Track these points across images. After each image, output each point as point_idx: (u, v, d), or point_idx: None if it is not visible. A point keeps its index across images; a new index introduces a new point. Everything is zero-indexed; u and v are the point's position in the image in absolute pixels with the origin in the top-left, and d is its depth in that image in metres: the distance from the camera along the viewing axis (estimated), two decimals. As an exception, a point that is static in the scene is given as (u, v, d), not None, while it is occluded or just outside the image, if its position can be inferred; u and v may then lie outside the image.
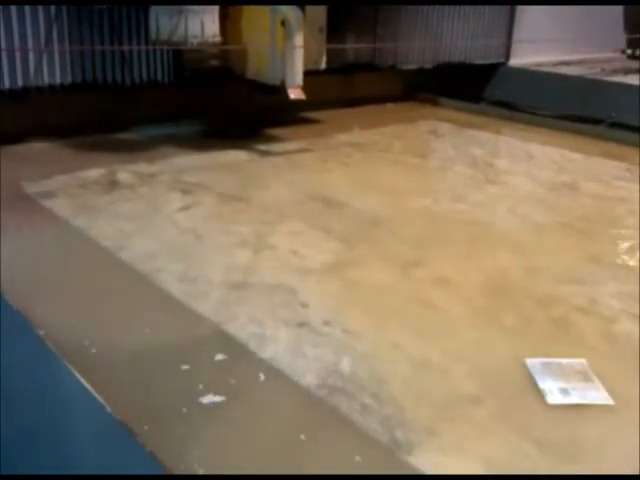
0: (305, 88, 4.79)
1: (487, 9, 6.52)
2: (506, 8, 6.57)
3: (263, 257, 3.14)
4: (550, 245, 3.45)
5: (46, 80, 4.62)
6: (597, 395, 2.14)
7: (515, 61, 6.66)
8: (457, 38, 6.52)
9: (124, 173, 4.22)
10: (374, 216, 3.69)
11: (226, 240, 3.33)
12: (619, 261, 3.31)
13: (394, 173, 4.57)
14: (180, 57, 4.88)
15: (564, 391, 2.15)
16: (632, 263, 3.27)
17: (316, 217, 3.66)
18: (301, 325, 2.56)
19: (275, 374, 2.23)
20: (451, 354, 2.40)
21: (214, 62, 4.81)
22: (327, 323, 2.58)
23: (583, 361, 2.31)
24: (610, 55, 6.97)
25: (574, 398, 2.12)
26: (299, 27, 4.69)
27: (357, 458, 1.85)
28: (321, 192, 4.05)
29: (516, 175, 4.69)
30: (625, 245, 3.52)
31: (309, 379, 2.21)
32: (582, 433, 2.02)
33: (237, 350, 2.35)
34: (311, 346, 2.42)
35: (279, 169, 4.54)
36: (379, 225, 3.59)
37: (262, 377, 2.20)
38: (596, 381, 2.20)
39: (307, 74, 4.83)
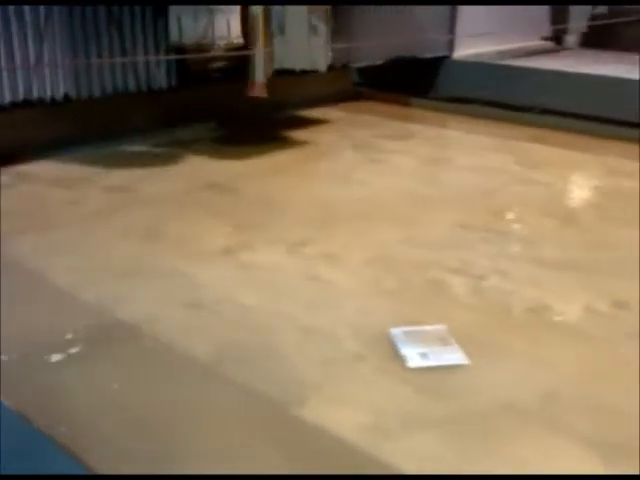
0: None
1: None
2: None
3: (156, 245, 3.26)
4: (429, 216, 3.75)
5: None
6: (453, 356, 2.38)
7: (458, 53, 6.94)
8: (404, 33, 6.69)
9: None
10: (265, 201, 3.89)
11: (116, 231, 3.42)
12: (489, 226, 3.61)
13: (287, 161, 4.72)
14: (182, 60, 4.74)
15: (423, 355, 2.38)
16: (500, 228, 3.62)
17: (208, 205, 3.81)
18: (195, 305, 2.69)
19: (169, 348, 2.39)
20: (337, 321, 2.62)
21: (218, 64, 4.71)
22: (220, 302, 2.73)
23: (443, 327, 2.54)
24: (541, 43, 7.44)
25: (432, 361, 2.35)
26: (259, 24, 4.63)
27: (248, 414, 2.07)
28: (212, 180, 4.19)
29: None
30: (495, 212, 3.84)
31: (203, 350, 2.38)
32: (450, 379, 2.29)
33: (128, 330, 2.50)
34: (205, 323, 2.58)
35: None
36: (270, 209, 3.78)
37: (153, 351, 2.39)
38: (454, 344, 2.44)
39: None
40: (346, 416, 2.05)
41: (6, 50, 4.24)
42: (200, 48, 4.27)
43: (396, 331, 2.50)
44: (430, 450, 1.93)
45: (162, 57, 4.48)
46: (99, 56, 4.58)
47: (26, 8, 4.26)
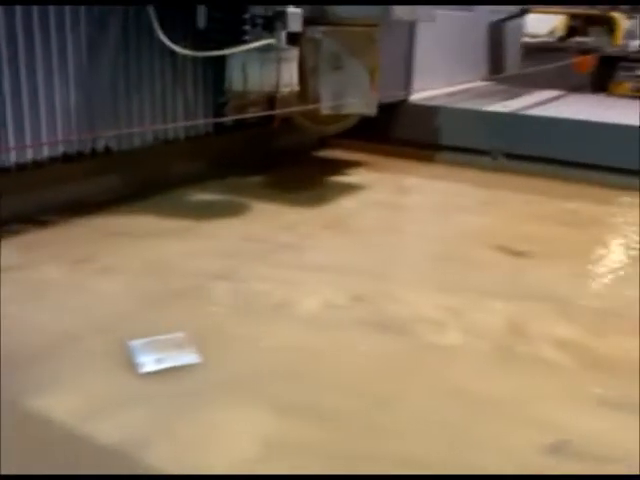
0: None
1: (387, 47, 6.98)
2: (406, 46, 7.11)
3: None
4: (215, 230, 4.15)
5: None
6: (187, 358, 2.62)
7: (415, 97, 7.24)
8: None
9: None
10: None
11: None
12: (272, 239, 4.06)
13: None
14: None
15: (158, 360, 2.59)
16: (285, 240, 4.06)
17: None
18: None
19: None
20: (90, 325, 2.89)
21: (255, 109, 4.69)
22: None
23: (181, 334, 2.81)
24: (482, 83, 7.95)
25: (166, 364, 2.57)
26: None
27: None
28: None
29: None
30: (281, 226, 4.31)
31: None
32: (181, 373, 2.59)
33: None
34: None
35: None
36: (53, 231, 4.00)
37: None
38: (190, 347, 2.70)
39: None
40: (66, 401, 2.31)
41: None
42: (265, 95, 4.24)
43: (134, 343, 2.67)
44: (135, 423, 2.22)
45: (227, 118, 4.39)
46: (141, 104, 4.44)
47: (70, 59, 4.02)
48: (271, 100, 4.67)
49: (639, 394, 2.54)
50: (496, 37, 8.19)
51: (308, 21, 4.37)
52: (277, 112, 4.57)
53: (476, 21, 7.87)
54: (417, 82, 7.24)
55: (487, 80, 8.07)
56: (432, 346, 2.86)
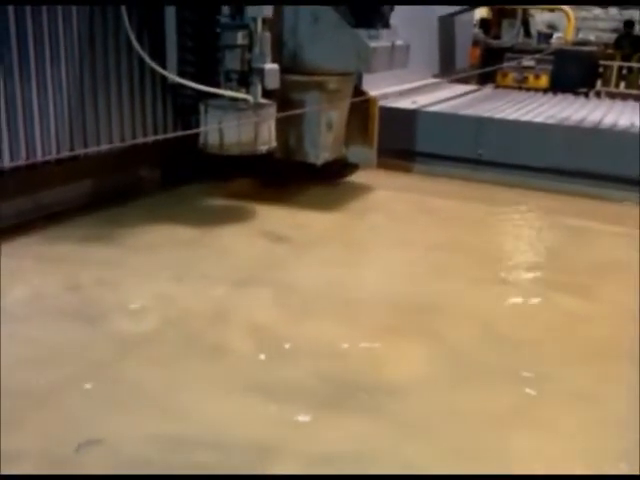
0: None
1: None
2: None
3: None
4: None
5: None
6: None
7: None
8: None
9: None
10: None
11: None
12: None
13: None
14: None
15: None
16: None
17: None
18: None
19: None
20: None
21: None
22: None
23: None
24: (434, 80, 7.85)
25: None
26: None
27: None
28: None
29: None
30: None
31: None
32: None
33: None
34: None
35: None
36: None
37: None
38: None
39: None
40: None
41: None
42: (242, 153, 4.12)
43: None
44: None
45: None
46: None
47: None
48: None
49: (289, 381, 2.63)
50: (446, 32, 8.10)
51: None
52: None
53: (426, 15, 7.73)
54: (368, 82, 7.14)
55: (439, 77, 7.97)
56: (117, 333, 2.85)
